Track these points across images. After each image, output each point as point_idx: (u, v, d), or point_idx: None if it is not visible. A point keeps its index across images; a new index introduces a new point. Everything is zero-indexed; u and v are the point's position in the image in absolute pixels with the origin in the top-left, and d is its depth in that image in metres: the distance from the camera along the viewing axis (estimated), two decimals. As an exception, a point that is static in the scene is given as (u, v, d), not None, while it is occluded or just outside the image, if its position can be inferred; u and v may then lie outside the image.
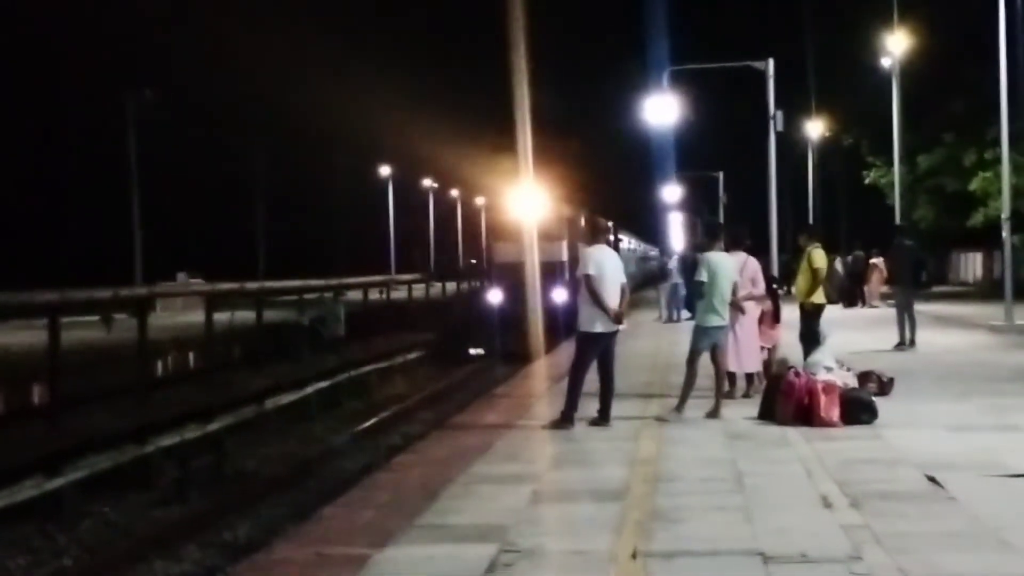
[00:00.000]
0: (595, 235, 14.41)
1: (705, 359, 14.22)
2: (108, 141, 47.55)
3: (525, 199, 25.37)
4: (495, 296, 34.02)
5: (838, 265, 37.07)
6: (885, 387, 15.44)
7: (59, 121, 48.84)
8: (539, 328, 24.56)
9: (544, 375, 20.29)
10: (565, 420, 13.44)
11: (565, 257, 34.37)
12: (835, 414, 13.00)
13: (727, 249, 15.43)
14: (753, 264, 15.80)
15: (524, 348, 25.58)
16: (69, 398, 19.16)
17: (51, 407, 18.51)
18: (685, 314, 30.63)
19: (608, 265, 13.58)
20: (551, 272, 31.96)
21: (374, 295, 38.46)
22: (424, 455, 12.31)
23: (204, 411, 19.91)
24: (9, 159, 48.18)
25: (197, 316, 29.03)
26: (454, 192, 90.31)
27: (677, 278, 33.35)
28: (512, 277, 31.19)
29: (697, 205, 78.83)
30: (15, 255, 45.71)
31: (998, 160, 32.29)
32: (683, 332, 15.87)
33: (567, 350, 21.06)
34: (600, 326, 13.44)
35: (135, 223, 45.27)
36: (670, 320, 32.91)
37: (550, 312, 28.83)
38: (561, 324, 27.74)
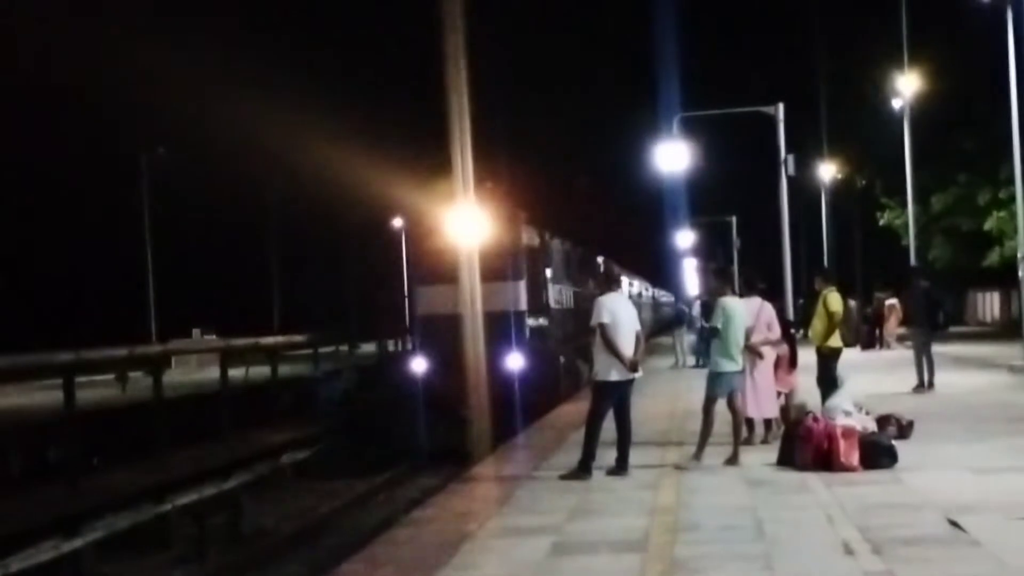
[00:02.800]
0: (608, 283, 14.35)
1: (722, 405, 14.13)
2: (122, 199, 47.78)
3: (461, 220, 18.08)
4: (418, 365, 24.32)
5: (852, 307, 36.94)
6: (905, 430, 15.33)
7: (73, 181, 49.09)
8: (484, 412, 17.52)
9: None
10: (583, 470, 13.36)
11: (523, 304, 25.03)
12: (855, 459, 12.90)
13: (742, 294, 15.39)
14: (768, 309, 15.74)
15: (461, 444, 18.25)
16: (86, 458, 19.18)
17: (68, 467, 18.53)
18: None
19: (622, 313, 13.55)
20: (502, 327, 23.10)
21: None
22: (442, 508, 12.23)
23: (221, 468, 19.92)
24: (23, 220, 48.39)
25: (212, 372, 29.09)
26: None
27: (701, 323, 32.89)
28: (444, 336, 21.57)
29: (711, 250, 78.81)
30: (30, 315, 45.83)
31: (1012, 199, 32.23)
32: (700, 378, 15.78)
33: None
34: (616, 374, 13.39)
35: (149, 281, 45.44)
36: (696, 366, 32.26)
37: (501, 387, 21.11)
38: (517, 403, 21.81)
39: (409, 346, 26.79)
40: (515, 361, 23.95)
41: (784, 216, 29.15)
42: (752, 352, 14.71)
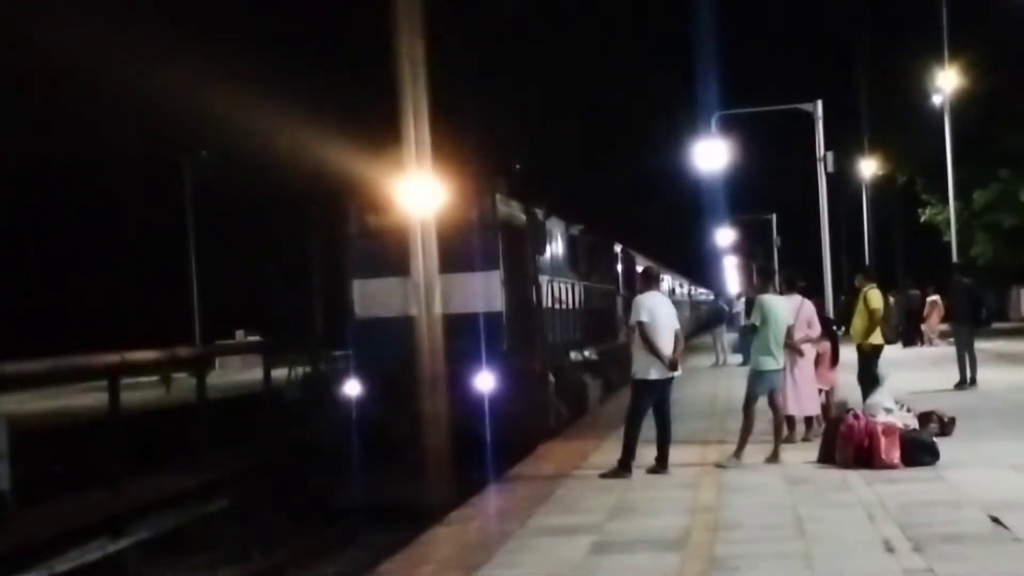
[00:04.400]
0: (647, 282, 14.34)
1: (763, 404, 14.12)
2: (165, 201, 48.12)
3: (413, 189, 14.33)
4: (353, 388, 17.96)
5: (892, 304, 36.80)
6: (946, 427, 15.25)
7: (116, 183, 49.52)
8: (443, 454, 14.12)
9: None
10: (623, 469, 13.39)
11: (499, 302, 18.63)
12: (896, 456, 12.86)
13: (782, 292, 15.37)
14: (808, 306, 15.71)
15: (412, 498, 14.51)
16: (131, 459, 19.33)
17: (114, 469, 18.69)
18: None
19: (661, 312, 13.56)
20: (469, 335, 17.50)
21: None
22: (482, 508, 12.28)
23: (264, 468, 19.99)
24: (67, 224, 48.85)
25: (256, 374, 29.26)
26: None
27: (745, 320, 32.45)
28: (389, 349, 17.20)
29: (751, 248, 78.58)
30: (76, 317, 46.26)
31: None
32: (740, 377, 15.75)
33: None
34: (655, 373, 13.41)
35: (193, 282, 45.72)
36: (744, 364, 31.67)
37: (467, 418, 16.40)
38: (488, 441, 16.48)
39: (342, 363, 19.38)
40: (486, 382, 17.57)
41: (824, 213, 29.09)
42: (792, 350, 14.68)
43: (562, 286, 22.57)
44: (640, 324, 13.40)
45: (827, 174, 29.43)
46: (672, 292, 50.48)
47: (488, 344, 17.74)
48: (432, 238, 14.33)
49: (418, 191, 14.36)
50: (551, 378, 19.28)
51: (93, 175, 48.90)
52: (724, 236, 74.61)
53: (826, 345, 16.01)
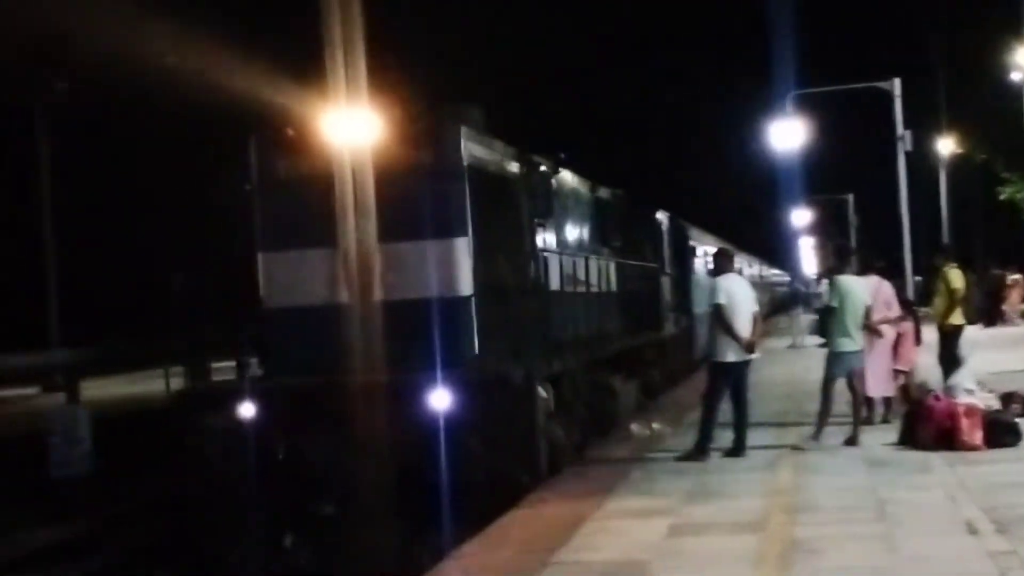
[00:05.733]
0: (723, 264, 14.23)
1: (841, 385, 14.00)
2: (218, 186, 48.48)
3: (343, 128, 11.44)
4: (248, 410, 12.29)
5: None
6: (1029, 408, 15.02)
7: (151, 171, 50.01)
8: (382, 505, 11.22)
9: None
10: (700, 452, 13.33)
11: (464, 283, 12.70)
12: (978, 437, 12.70)
13: (860, 273, 15.22)
14: (887, 287, 15.55)
15: (330, 567, 11.59)
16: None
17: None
18: None
19: (739, 294, 13.51)
20: (421, 331, 12.17)
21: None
22: (559, 491, 12.26)
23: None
24: (108, 213, 49.36)
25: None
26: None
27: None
28: (307, 352, 12.61)
29: (827, 229, 77.72)
30: (129, 306, 46.81)
31: None
32: (818, 359, 15.61)
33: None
34: (732, 355, 13.34)
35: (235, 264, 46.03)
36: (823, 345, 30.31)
37: (416, 454, 11.66)
38: (445, 487, 11.62)
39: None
40: (442, 400, 11.90)
41: (902, 193, 28.72)
42: (871, 331, 14.54)
43: (583, 263, 17.17)
44: (718, 307, 13.35)
45: (905, 153, 29.08)
46: (739, 272, 48.32)
47: (448, 345, 12.21)
48: (369, 192, 10.95)
49: (350, 124, 10.84)
50: (543, 393, 13.07)
51: (128, 161, 49.36)
52: (800, 217, 73.92)
53: (907, 325, 15.84)
